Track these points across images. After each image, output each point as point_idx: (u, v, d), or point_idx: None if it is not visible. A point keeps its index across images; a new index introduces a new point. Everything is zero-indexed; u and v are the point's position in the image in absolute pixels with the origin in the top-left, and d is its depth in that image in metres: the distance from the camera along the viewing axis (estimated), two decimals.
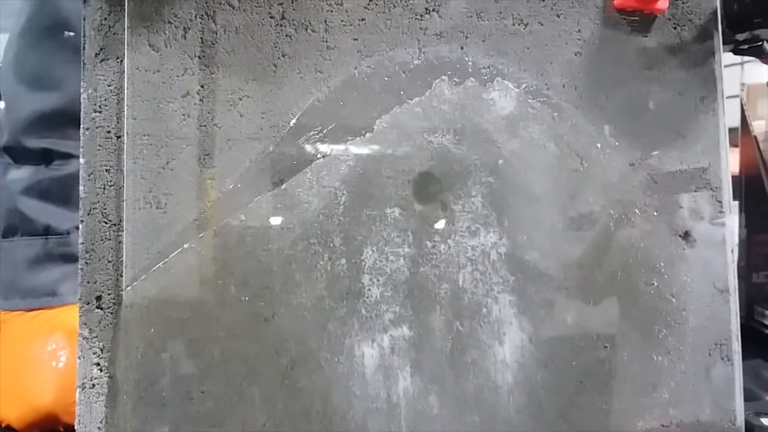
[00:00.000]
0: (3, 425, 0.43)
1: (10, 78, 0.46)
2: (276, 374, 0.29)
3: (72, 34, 0.45)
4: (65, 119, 0.44)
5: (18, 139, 0.45)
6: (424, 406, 0.30)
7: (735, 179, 0.70)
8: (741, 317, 0.72)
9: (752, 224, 0.68)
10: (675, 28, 0.34)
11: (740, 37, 0.36)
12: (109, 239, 0.28)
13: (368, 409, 0.29)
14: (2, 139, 0.46)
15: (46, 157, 0.45)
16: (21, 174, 0.45)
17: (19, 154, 0.45)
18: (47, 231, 0.44)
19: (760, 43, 0.37)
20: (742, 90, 0.72)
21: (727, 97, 0.35)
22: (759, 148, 0.65)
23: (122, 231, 0.28)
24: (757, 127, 0.66)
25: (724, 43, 0.35)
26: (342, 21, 0.30)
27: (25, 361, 0.43)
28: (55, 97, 0.44)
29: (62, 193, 0.45)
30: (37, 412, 0.41)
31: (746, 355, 0.65)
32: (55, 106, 0.44)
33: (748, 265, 0.69)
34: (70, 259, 0.44)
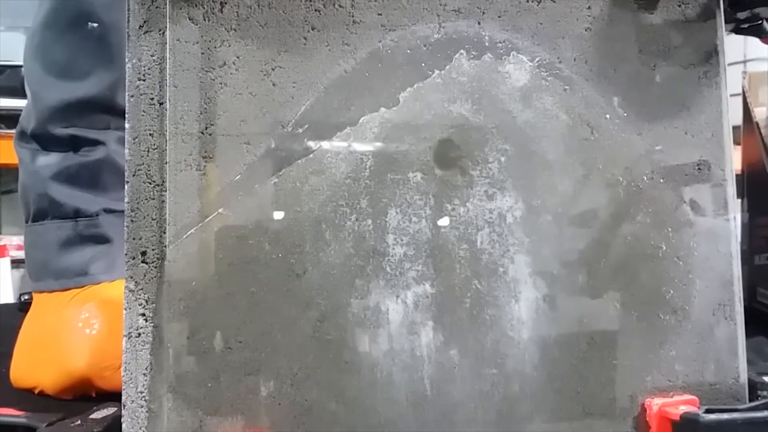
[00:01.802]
0: (37, 391, 0.45)
1: (37, 67, 0.48)
2: (307, 327, 0.31)
3: (95, 25, 0.47)
4: (91, 107, 0.46)
5: (45, 126, 0.47)
6: (445, 359, 0.32)
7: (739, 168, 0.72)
8: (744, 299, 0.74)
9: (754, 208, 0.69)
10: (680, 6, 0.36)
11: (741, 15, 0.38)
12: (153, 198, 0.30)
13: (393, 361, 0.31)
14: (30, 126, 0.48)
15: (73, 144, 0.47)
16: (50, 160, 0.47)
17: (47, 141, 0.47)
18: (77, 214, 0.46)
19: (760, 21, 0.39)
20: (744, 78, 0.74)
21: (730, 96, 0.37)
22: (761, 134, 0.67)
23: (165, 191, 0.30)
24: (759, 113, 0.68)
25: (725, 22, 0.37)
26: None
27: (59, 329, 0.45)
28: (82, 87, 0.46)
29: (91, 178, 0.47)
30: (71, 377, 0.43)
31: (749, 333, 0.67)
32: (81, 95, 0.46)
33: (750, 248, 0.71)
34: (100, 240, 0.46)
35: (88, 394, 0.44)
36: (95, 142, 0.47)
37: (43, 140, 0.47)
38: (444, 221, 0.32)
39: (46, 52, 0.48)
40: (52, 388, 0.44)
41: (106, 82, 0.46)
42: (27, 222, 0.48)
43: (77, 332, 0.44)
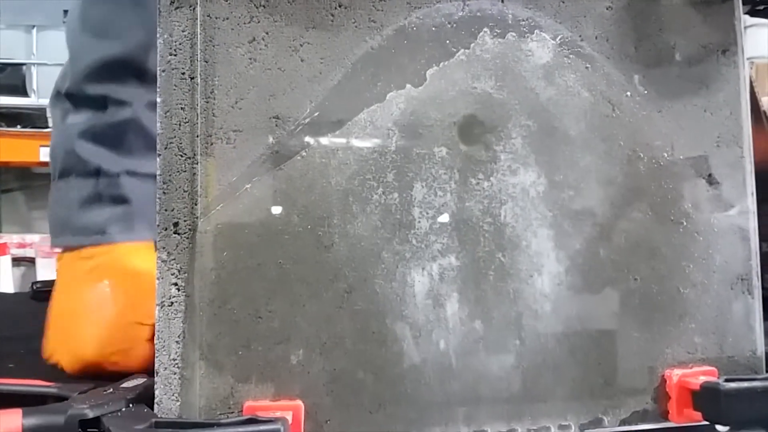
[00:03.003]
0: (59, 368, 0.45)
1: (77, 30, 0.50)
2: (335, 297, 0.31)
3: None
4: (124, 67, 0.47)
5: (80, 85, 0.48)
6: (469, 329, 0.33)
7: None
8: None
9: (760, 196, 0.70)
10: None
11: None
12: (185, 171, 0.30)
13: (419, 332, 0.32)
14: (65, 86, 0.49)
15: (103, 103, 0.48)
16: (79, 118, 0.48)
17: (79, 100, 0.48)
18: (98, 173, 0.47)
19: None
20: (751, 68, 0.75)
21: None
22: (767, 122, 0.67)
23: (196, 164, 0.30)
24: (766, 102, 0.69)
25: (742, 3, 0.38)
26: None
27: (74, 309, 0.45)
28: (116, 46, 0.47)
29: (116, 138, 0.48)
30: (81, 362, 0.43)
31: None
32: (116, 54, 0.47)
33: (759, 234, 0.71)
34: (119, 200, 0.47)
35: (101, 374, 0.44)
36: (123, 103, 0.48)
37: (76, 99, 0.49)
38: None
39: (85, 11, 0.50)
40: (67, 368, 0.44)
41: (140, 42, 0.47)
42: (53, 179, 0.49)
43: (89, 316, 0.44)
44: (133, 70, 0.47)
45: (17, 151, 1.80)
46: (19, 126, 1.80)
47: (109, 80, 0.47)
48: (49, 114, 0.50)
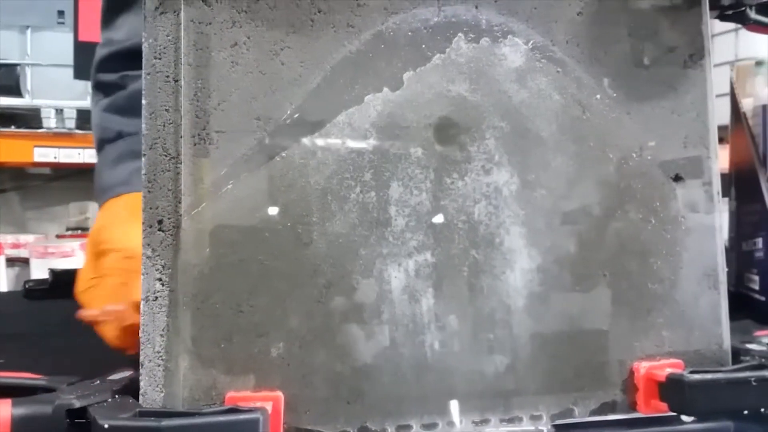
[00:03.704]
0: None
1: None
2: (314, 292, 0.32)
3: None
4: (132, 54, 0.52)
5: (97, 77, 0.57)
6: (444, 324, 0.34)
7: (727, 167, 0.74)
8: (732, 285, 0.76)
9: (741, 196, 0.71)
10: None
11: (725, 2, 0.40)
12: (169, 170, 0.31)
13: (396, 326, 0.33)
14: (92, 81, 0.58)
15: (122, 85, 0.55)
16: (105, 101, 0.56)
17: (103, 87, 0.57)
18: (120, 135, 0.54)
19: (743, 8, 0.41)
20: (732, 70, 0.76)
21: (718, 96, 0.38)
22: (748, 124, 0.69)
23: (180, 163, 0.31)
24: (746, 104, 0.70)
25: (710, 9, 0.39)
26: None
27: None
28: (117, 35, 0.55)
29: (132, 106, 0.53)
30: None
31: (737, 317, 0.69)
32: (120, 44, 0.55)
33: (737, 234, 0.73)
34: (139, 155, 0.50)
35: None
36: (138, 77, 0.52)
37: (100, 87, 0.57)
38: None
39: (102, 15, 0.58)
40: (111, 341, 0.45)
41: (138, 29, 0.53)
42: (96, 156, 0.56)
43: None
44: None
45: (11, 152, 1.81)
46: (13, 126, 1.81)
47: (121, 67, 0.54)
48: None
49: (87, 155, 1.81)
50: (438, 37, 0.35)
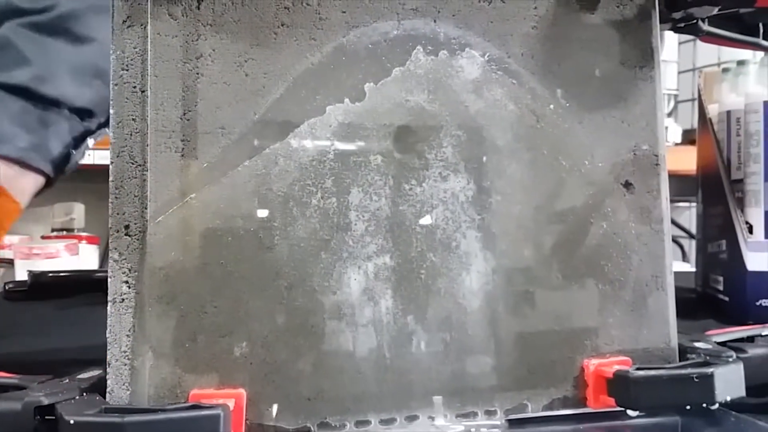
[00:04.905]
0: None
1: None
2: (276, 294, 0.34)
3: None
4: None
5: None
6: (402, 324, 0.35)
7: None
8: (699, 286, 0.78)
9: (707, 199, 0.74)
10: (618, 6, 0.39)
11: (676, 15, 0.42)
12: (135, 177, 0.33)
13: (355, 326, 0.35)
14: None
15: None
16: None
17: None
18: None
19: (695, 21, 0.43)
20: (700, 76, 0.78)
21: (683, 101, 0.40)
22: (713, 129, 0.71)
23: (146, 171, 0.33)
24: (712, 110, 0.73)
25: (662, 22, 0.41)
26: None
27: None
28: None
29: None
30: None
31: (701, 316, 0.71)
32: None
33: (704, 237, 0.75)
34: None
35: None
36: None
37: None
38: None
39: None
40: None
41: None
42: None
43: None
44: None
45: None
46: None
47: None
48: None
49: None
50: (397, 50, 0.36)
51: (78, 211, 1.72)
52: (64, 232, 2.02)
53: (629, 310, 0.38)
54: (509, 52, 0.38)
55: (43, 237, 2.03)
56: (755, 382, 0.37)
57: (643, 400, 0.35)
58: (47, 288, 0.60)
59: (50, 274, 0.74)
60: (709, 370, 0.34)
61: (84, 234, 1.69)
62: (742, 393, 0.35)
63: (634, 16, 0.40)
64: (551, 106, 0.38)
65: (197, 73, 0.34)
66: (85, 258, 1.48)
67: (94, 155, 1.46)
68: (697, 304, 0.74)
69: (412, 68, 0.37)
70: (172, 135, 0.33)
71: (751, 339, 0.42)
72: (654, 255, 0.39)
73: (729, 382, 0.34)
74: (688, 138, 1.64)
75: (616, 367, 0.36)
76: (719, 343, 0.40)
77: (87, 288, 0.70)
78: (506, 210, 0.37)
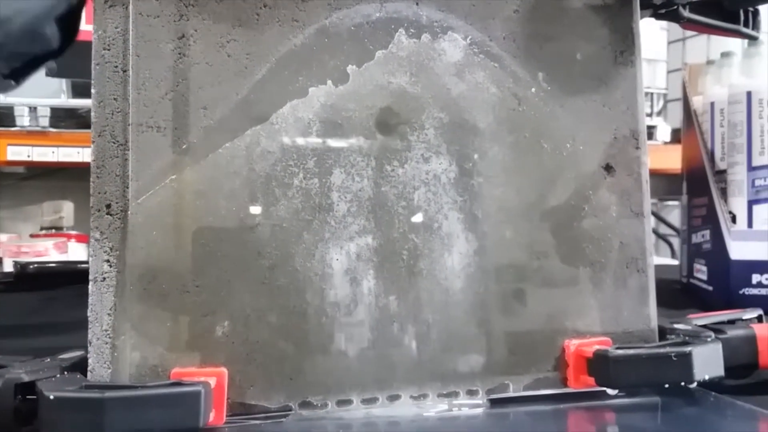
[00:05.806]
0: None
1: None
2: (259, 274, 0.34)
3: None
4: None
5: None
6: (384, 304, 0.36)
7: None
8: (684, 276, 0.79)
9: (691, 190, 0.74)
10: None
11: (657, 1, 0.42)
12: (117, 157, 0.33)
13: (337, 305, 0.35)
14: None
15: None
16: None
17: None
18: None
19: (675, 7, 0.43)
20: (684, 69, 0.79)
21: (673, 100, 0.41)
22: (698, 121, 0.72)
23: (128, 150, 0.33)
24: (696, 102, 0.73)
25: (643, 7, 0.42)
26: None
27: None
28: None
29: None
30: None
31: (684, 305, 0.72)
32: None
33: (689, 227, 0.76)
34: None
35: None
36: None
37: None
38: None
39: None
40: None
41: None
42: None
43: None
44: None
45: None
46: None
47: None
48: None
49: (61, 154, 1.80)
50: (380, 32, 0.37)
51: (67, 210, 1.71)
52: (53, 231, 2.01)
53: (610, 292, 0.39)
54: (491, 36, 0.38)
55: (32, 235, 2.02)
56: (735, 363, 0.38)
57: (622, 379, 0.35)
58: (34, 278, 0.60)
59: (35, 265, 0.74)
60: (687, 348, 0.34)
61: (73, 232, 1.68)
62: (721, 372, 0.36)
63: (615, 1, 0.40)
64: (533, 90, 0.38)
65: (179, 54, 0.34)
66: (74, 256, 1.47)
67: (83, 153, 1.46)
68: (682, 295, 0.75)
69: (395, 51, 0.37)
70: (153, 115, 0.33)
71: (732, 323, 0.43)
72: (634, 237, 0.39)
73: (707, 361, 0.35)
74: (678, 137, 1.65)
75: (596, 347, 0.36)
76: (700, 326, 0.40)
77: (72, 279, 0.69)
78: (488, 192, 0.37)
